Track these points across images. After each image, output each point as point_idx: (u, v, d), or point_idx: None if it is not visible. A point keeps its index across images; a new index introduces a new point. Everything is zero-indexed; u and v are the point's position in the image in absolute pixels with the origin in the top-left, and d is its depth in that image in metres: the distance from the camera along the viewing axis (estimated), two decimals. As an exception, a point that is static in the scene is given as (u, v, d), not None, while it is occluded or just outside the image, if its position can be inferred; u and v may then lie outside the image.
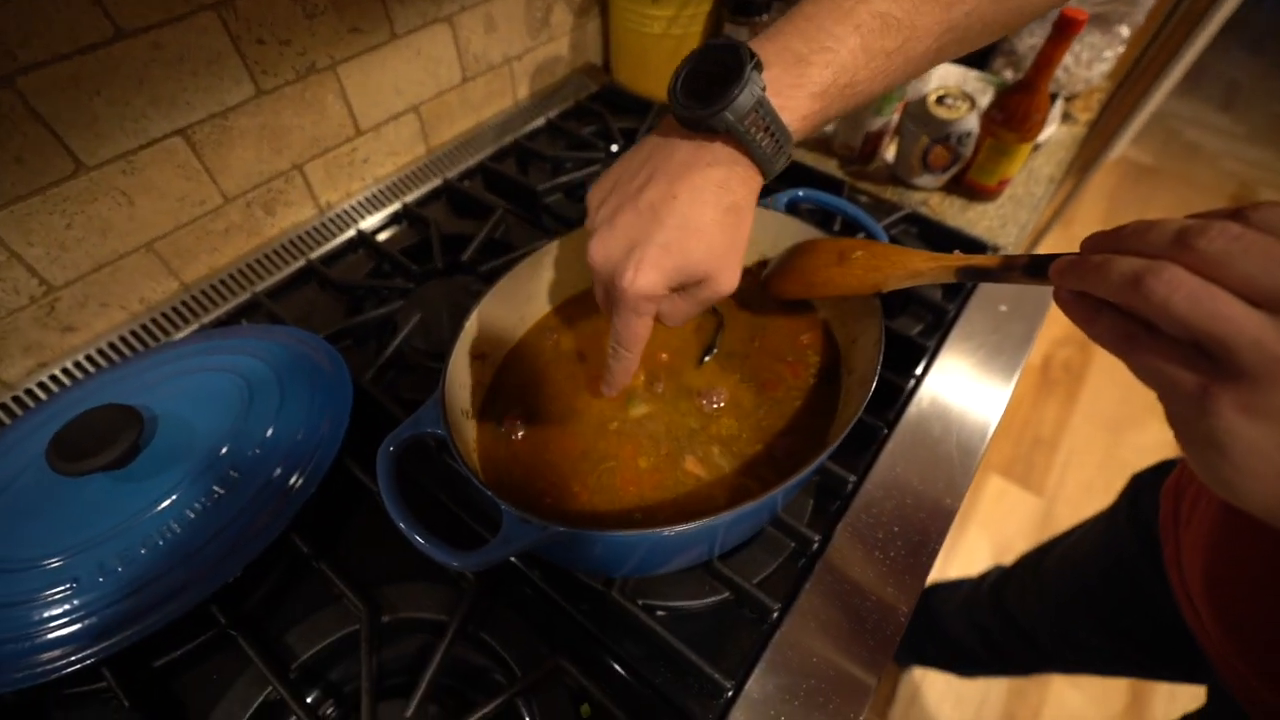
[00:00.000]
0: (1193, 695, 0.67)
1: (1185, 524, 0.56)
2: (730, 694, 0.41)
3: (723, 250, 0.36)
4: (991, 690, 1.23)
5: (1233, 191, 2.35)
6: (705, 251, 0.35)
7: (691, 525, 0.34)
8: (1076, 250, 0.30)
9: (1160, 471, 0.68)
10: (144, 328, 0.62)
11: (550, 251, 0.51)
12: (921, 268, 0.41)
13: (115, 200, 0.57)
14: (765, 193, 0.75)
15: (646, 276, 0.34)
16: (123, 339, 0.61)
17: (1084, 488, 1.56)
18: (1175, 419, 0.25)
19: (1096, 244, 0.28)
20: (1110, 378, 1.78)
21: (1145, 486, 0.69)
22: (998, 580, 0.92)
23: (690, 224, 0.34)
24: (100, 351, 0.60)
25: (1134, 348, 0.26)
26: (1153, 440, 1.65)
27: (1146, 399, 1.89)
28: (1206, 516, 0.52)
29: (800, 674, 0.42)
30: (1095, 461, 1.61)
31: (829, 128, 0.86)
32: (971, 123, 0.73)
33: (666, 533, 0.34)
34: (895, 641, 0.44)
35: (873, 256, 0.44)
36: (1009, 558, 1.42)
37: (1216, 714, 0.55)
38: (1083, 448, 1.64)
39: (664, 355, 0.50)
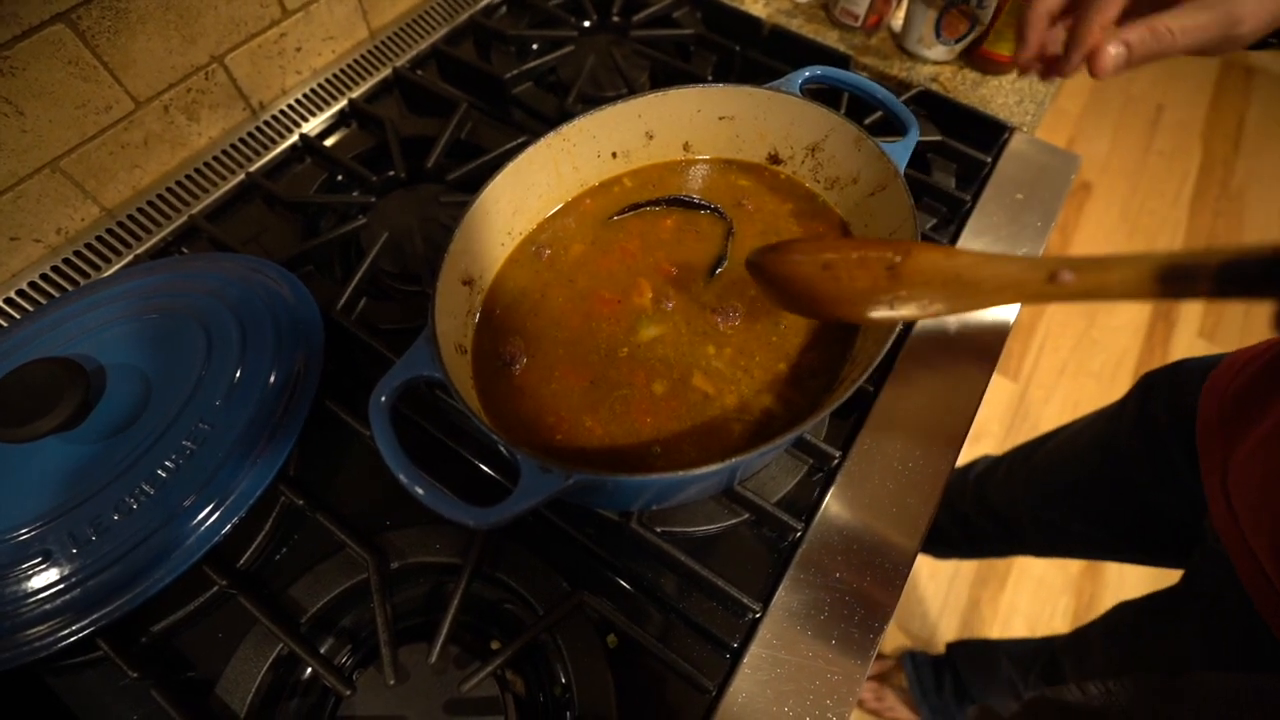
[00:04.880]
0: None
1: (1235, 423, 0.53)
2: (757, 615, 0.41)
3: None
4: (963, 563, 1.33)
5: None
6: None
7: (724, 464, 0.31)
8: None
9: (1175, 373, 0.66)
10: (69, 263, 0.54)
11: (533, 154, 0.44)
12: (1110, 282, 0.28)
13: (-2, 109, 0.47)
14: (768, 75, 0.67)
15: None
16: (46, 278, 0.53)
17: (1057, 370, 1.60)
18: None
19: None
20: (1089, 259, 1.78)
21: (1157, 386, 0.67)
22: (984, 471, 0.95)
23: None
24: (22, 294, 0.52)
25: None
26: (1124, 321, 1.68)
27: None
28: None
29: (825, 589, 0.42)
30: (1069, 345, 1.64)
31: (830, -8, 0.75)
32: (995, -20, 0.64)
33: (697, 472, 0.31)
34: (916, 552, 0.44)
35: (954, 273, 0.30)
36: (984, 442, 1.48)
37: (1193, 595, 0.57)
38: (1058, 331, 1.66)
39: (672, 269, 0.45)
